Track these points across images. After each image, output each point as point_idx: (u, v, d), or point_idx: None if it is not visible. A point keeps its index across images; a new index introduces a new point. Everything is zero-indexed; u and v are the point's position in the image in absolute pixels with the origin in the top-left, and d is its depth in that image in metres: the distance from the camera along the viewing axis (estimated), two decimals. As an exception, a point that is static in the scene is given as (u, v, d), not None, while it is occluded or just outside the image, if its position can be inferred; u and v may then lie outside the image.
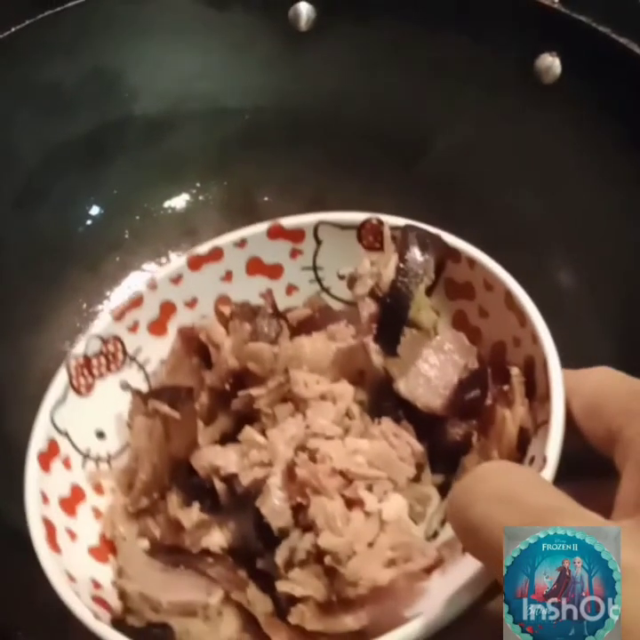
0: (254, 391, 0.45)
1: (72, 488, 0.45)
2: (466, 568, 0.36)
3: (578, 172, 0.58)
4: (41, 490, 0.43)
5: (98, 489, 0.47)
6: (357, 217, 0.50)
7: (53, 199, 0.64)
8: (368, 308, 0.47)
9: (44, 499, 0.43)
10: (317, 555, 0.39)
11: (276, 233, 0.51)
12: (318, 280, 0.52)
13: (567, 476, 0.37)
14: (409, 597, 0.39)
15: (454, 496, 0.34)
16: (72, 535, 0.44)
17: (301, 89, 0.66)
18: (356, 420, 0.44)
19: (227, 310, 0.50)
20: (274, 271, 0.52)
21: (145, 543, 0.44)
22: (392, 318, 0.46)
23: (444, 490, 0.45)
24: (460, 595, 0.35)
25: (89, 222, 0.66)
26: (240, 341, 0.47)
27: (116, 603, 0.41)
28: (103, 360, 0.49)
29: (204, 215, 0.66)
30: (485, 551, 0.32)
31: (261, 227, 0.51)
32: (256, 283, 0.52)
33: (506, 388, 0.43)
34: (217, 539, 0.42)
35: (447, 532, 0.43)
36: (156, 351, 0.51)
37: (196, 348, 0.49)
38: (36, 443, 0.44)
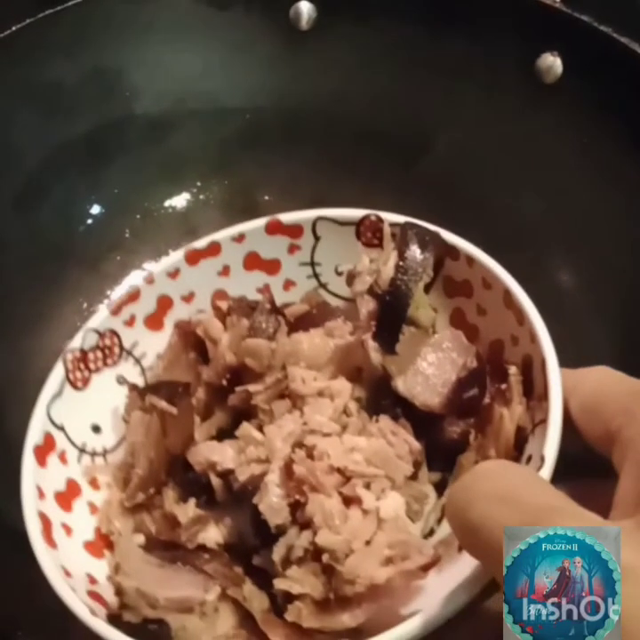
0: (252, 387, 0.45)
1: (68, 482, 0.45)
2: (462, 566, 0.36)
3: (578, 171, 0.58)
4: (37, 484, 0.43)
5: (93, 483, 0.47)
6: (356, 213, 0.50)
7: (54, 198, 0.64)
8: (367, 306, 0.47)
9: (40, 493, 0.43)
10: (315, 552, 0.39)
11: (274, 228, 0.51)
12: (316, 276, 0.52)
13: (565, 475, 0.37)
14: (405, 595, 0.39)
15: (453, 495, 0.34)
16: (68, 530, 0.44)
17: (302, 88, 0.66)
18: (354, 417, 0.44)
19: (224, 305, 0.50)
20: (271, 266, 0.52)
21: (140, 538, 0.44)
22: (391, 316, 0.46)
23: (440, 487, 0.45)
24: (457, 593, 0.35)
25: (90, 221, 0.66)
26: (238, 337, 0.47)
27: (111, 598, 0.41)
28: (99, 354, 0.49)
29: (204, 214, 0.66)
30: (484, 550, 0.32)
31: (260, 222, 0.51)
32: (253, 278, 0.52)
33: (503, 386, 0.43)
34: (213, 534, 0.42)
35: (443, 530, 0.44)
36: (153, 345, 0.51)
37: (193, 342, 0.49)
38: (32, 436, 0.45)
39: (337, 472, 0.40)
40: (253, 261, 0.52)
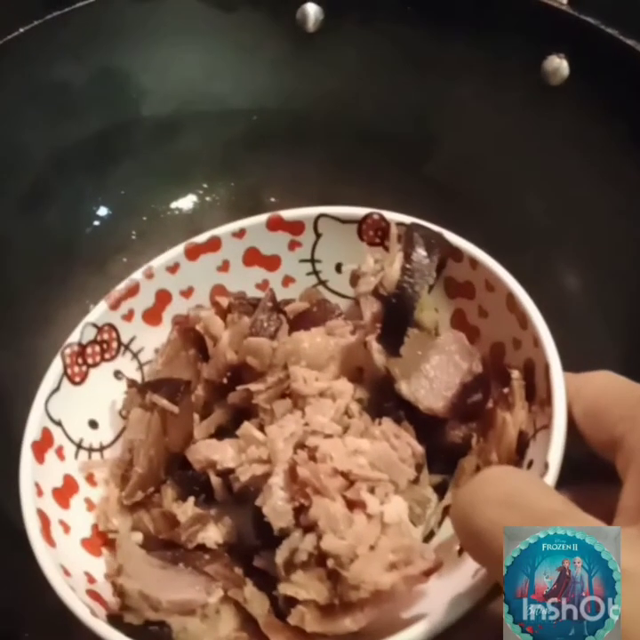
0: (253, 386, 0.45)
1: (65, 479, 0.45)
2: (462, 570, 0.36)
3: (583, 173, 0.58)
4: (35, 481, 0.43)
5: (90, 480, 0.47)
6: (359, 211, 0.50)
7: (61, 200, 0.64)
8: (371, 307, 0.47)
9: (39, 491, 0.43)
10: (319, 556, 0.38)
11: (275, 224, 0.51)
12: (316, 273, 0.53)
13: (568, 479, 0.37)
14: (407, 599, 0.39)
15: (458, 500, 0.34)
16: (65, 527, 0.44)
17: (308, 90, 0.66)
18: (356, 418, 0.44)
19: (224, 302, 0.50)
20: (271, 262, 0.52)
21: (138, 536, 0.44)
22: (396, 319, 0.46)
23: (441, 490, 0.45)
24: (461, 598, 0.35)
25: (96, 223, 0.66)
26: (238, 335, 0.47)
27: (110, 597, 0.41)
28: (97, 348, 0.49)
29: (210, 216, 0.66)
30: (487, 554, 0.32)
31: (261, 217, 0.51)
32: (252, 273, 0.52)
33: (506, 390, 0.43)
34: (212, 534, 0.42)
35: (443, 533, 0.44)
36: (150, 340, 0.51)
37: (192, 339, 0.49)
38: (31, 432, 0.45)
39: (340, 475, 0.40)
40: (253, 257, 0.52)
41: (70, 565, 0.41)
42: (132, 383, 0.48)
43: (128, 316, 0.50)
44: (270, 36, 0.66)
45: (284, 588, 0.39)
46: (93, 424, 0.48)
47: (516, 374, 0.43)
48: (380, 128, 0.65)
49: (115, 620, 0.39)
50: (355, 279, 0.50)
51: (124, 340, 0.50)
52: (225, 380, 0.47)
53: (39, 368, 0.48)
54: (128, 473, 0.46)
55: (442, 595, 0.36)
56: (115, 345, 0.50)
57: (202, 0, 0.65)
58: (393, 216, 0.49)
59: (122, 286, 0.50)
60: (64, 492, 0.45)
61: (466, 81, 0.62)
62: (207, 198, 0.68)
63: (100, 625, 0.37)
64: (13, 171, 0.62)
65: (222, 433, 0.47)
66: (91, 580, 0.42)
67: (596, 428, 0.37)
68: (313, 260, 0.52)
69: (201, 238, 0.51)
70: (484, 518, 0.31)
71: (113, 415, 0.49)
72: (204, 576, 0.40)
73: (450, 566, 0.39)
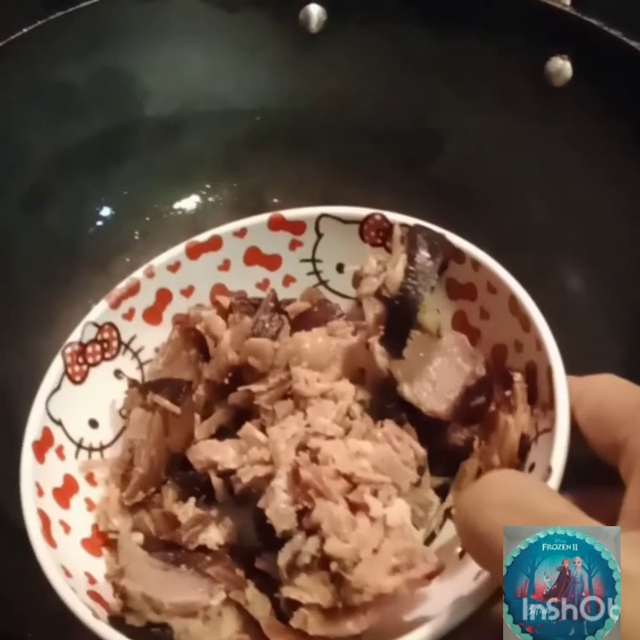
0: (255, 387, 0.45)
1: (65, 478, 0.45)
2: (464, 573, 0.37)
3: (586, 174, 0.58)
4: (36, 481, 0.43)
5: (90, 479, 0.47)
6: (360, 212, 0.50)
7: (64, 200, 0.64)
8: (373, 309, 0.47)
9: (39, 490, 0.43)
10: (322, 559, 0.38)
11: (276, 224, 0.51)
12: (316, 273, 0.53)
13: (571, 482, 0.37)
14: (409, 602, 0.39)
15: (462, 503, 0.34)
16: (66, 528, 0.44)
17: (311, 91, 0.66)
18: (357, 420, 0.44)
19: (225, 301, 0.50)
20: (272, 262, 0.52)
21: (139, 537, 0.44)
22: (400, 321, 0.46)
23: (442, 492, 0.45)
24: (465, 602, 0.35)
25: (99, 223, 0.66)
26: (240, 335, 0.47)
27: (111, 598, 0.41)
28: (98, 347, 0.49)
29: (213, 216, 0.66)
30: (490, 558, 0.32)
31: (262, 217, 0.51)
32: (253, 273, 0.52)
33: (508, 393, 0.43)
34: (213, 535, 0.42)
35: (444, 535, 0.44)
36: (151, 339, 0.51)
37: (193, 339, 0.49)
38: (31, 432, 0.45)
39: (343, 478, 0.40)
40: (254, 256, 0.52)
41: (71, 566, 0.41)
42: (133, 383, 0.48)
43: (128, 315, 0.50)
44: (273, 36, 0.66)
45: (288, 592, 0.39)
46: (93, 423, 0.48)
47: (518, 377, 0.43)
48: (383, 128, 0.65)
49: (116, 621, 0.39)
50: (357, 280, 0.50)
51: (125, 339, 0.50)
52: (226, 381, 0.47)
53: (42, 368, 0.48)
54: (128, 473, 0.46)
55: (444, 597, 0.36)
56: (115, 344, 0.50)
57: (205, 1, 0.65)
58: (395, 217, 0.49)
59: (122, 285, 0.50)
60: (64, 492, 0.45)
61: (468, 82, 0.62)
62: (210, 199, 0.68)
63: (102, 627, 0.37)
64: (17, 171, 0.62)
65: (223, 433, 0.47)
66: (91, 580, 0.42)
67: (598, 432, 0.37)
68: (314, 260, 0.52)
69: (202, 237, 0.51)
70: (487, 522, 0.31)
71: (113, 414, 0.49)
72: (206, 578, 0.40)
73: (451, 569, 0.39)
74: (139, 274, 0.50)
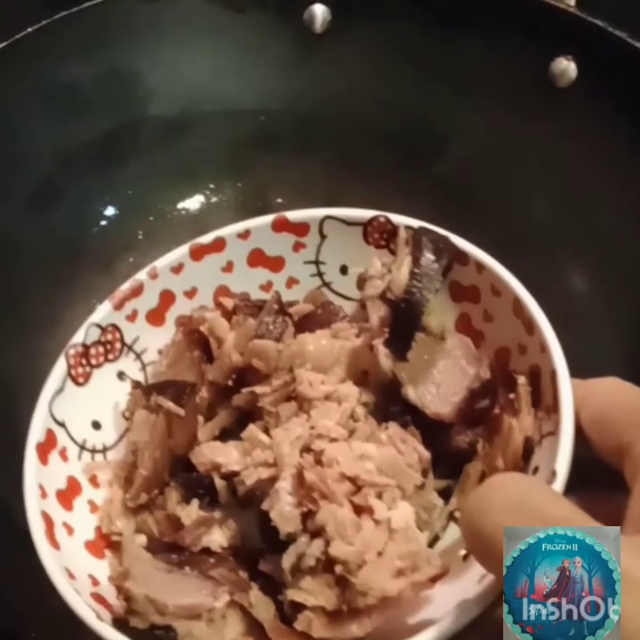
0: (259, 389, 0.45)
1: (68, 480, 0.45)
2: (468, 576, 0.37)
3: (591, 175, 0.58)
4: (39, 483, 0.43)
5: (93, 481, 0.47)
6: (365, 214, 0.50)
7: (68, 200, 0.64)
8: (378, 311, 0.47)
9: (43, 492, 0.43)
10: (327, 562, 0.38)
11: (280, 226, 0.51)
12: (320, 274, 0.53)
13: (576, 485, 0.37)
14: (413, 605, 0.39)
15: (467, 506, 0.34)
16: (69, 529, 0.44)
17: (315, 91, 0.66)
18: (361, 422, 0.44)
19: (229, 303, 0.50)
20: (275, 263, 0.52)
21: (142, 539, 0.44)
22: (404, 323, 0.46)
23: (445, 494, 0.45)
24: (469, 605, 0.35)
25: (103, 223, 0.66)
26: (244, 337, 0.47)
27: (114, 600, 0.41)
28: (101, 349, 0.49)
29: (217, 216, 0.66)
30: (495, 560, 0.32)
31: (266, 219, 0.51)
32: (257, 274, 0.52)
33: (512, 396, 0.43)
34: (217, 537, 0.42)
35: (448, 538, 0.44)
36: (154, 341, 0.51)
37: (197, 340, 0.49)
38: (35, 434, 0.45)
39: (347, 480, 0.40)
40: (257, 258, 0.52)
41: (74, 568, 0.41)
42: (136, 385, 0.48)
43: (132, 317, 0.50)
44: (278, 36, 0.66)
45: (293, 594, 0.39)
46: (96, 425, 0.48)
47: (522, 380, 0.43)
48: (387, 129, 0.65)
49: (120, 623, 0.39)
50: (362, 282, 0.50)
51: (128, 340, 0.50)
52: (230, 383, 0.47)
53: (45, 369, 0.48)
54: (131, 475, 0.46)
55: (448, 600, 0.36)
56: (118, 346, 0.50)
57: (210, 1, 0.65)
58: (399, 219, 0.49)
59: (126, 286, 0.50)
60: (68, 494, 0.45)
61: (473, 82, 0.62)
62: (214, 199, 0.68)
63: (106, 629, 0.37)
64: (21, 170, 0.62)
65: (226, 435, 0.47)
66: (95, 582, 0.42)
67: (603, 436, 0.37)
68: (317, 262, 0.52)
69: (206, 239, 0.51)
70: (491, 524, 0.31)
71: (116, 416, 0.49)
72: (210, 580, 0.40)
73: (455, 572, 0.39)
74: (142, 275, 0.50)
